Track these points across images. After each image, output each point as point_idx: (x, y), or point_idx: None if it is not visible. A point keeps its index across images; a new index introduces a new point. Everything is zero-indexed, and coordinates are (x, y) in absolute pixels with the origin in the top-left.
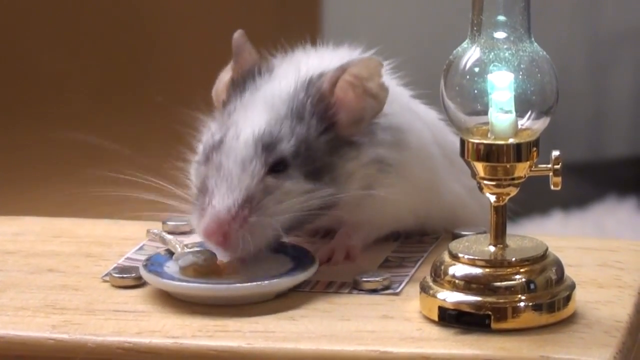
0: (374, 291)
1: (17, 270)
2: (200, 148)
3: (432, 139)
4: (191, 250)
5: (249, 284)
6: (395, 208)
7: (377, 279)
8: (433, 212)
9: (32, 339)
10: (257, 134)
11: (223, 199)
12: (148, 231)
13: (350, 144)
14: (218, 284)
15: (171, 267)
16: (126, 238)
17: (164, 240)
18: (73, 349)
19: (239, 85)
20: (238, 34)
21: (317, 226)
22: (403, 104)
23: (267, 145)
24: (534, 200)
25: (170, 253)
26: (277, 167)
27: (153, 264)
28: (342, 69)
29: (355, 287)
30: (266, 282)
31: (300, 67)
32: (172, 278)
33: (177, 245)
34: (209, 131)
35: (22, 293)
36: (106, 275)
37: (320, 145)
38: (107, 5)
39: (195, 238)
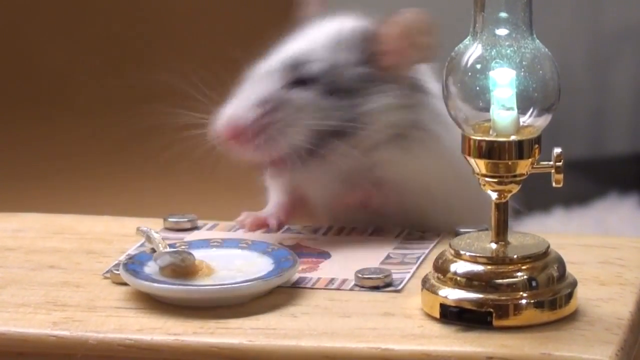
0: (375, 288)
1: (17, 266)
2: None
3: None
4: (169, 250)
5: (219, 286)
6: (424, 174)
7: (378, 276)
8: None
9: (33, 336)
10: (288, 54)
11: (238, 103)
12: (137, 229)
13: (388, 83)
14: (189, 286)
15: (152, 266)
16: (127, 235)
17: (149, 239)
18: (74, 346)
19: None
20: None
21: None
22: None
23: (294, 63)
24: (535, 198)
25: (155, 252)
26: (302, 82)
27: (134, 262)
28: (395, 16)
29: (357, 284)
30: (236, 285)
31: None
32: (147, 278)
33: (160, 245)
34: None
35: (23, 290)
36: (107, 272)
37: (354, 73)
38: (111, 2)
39: (190, 237)
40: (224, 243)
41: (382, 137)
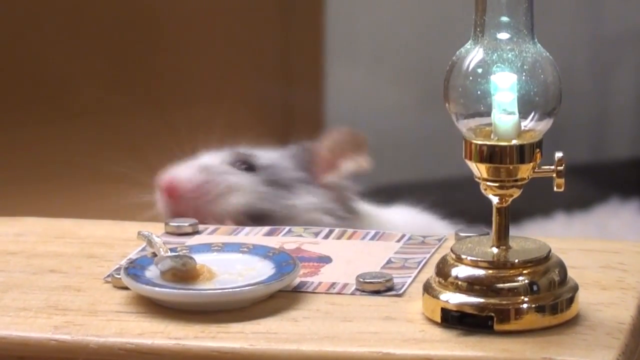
0: (376, 292)
1: (19, 271)
2: None
3: None
4: (170, 254)
5: (220, 291)
6: None
7: (379, 280)
8: None
9: (34, 340)
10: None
11: (183, 166)
12: (139, 233)
13: (317, 188)
14: (190, 290)
15: (153, 270)
16: (128, 239)
17: (151, 243)
18: (75, 350)
19: None
20: None
21: None
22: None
23: (244, 153)
24: (536, 202)
25: (156, 256)
26: (246, 168)
27: (135, 266)
28: (328, 133)
29: (358, 288)
30: (237, 289)
31: None
32: (148, 282)
33: (161, 249)
34: None
35: (24, 294)
36: (108, 276)
37: (291, 175)
38: (115, 6)
39: (191, 241)
40: (225, 247)
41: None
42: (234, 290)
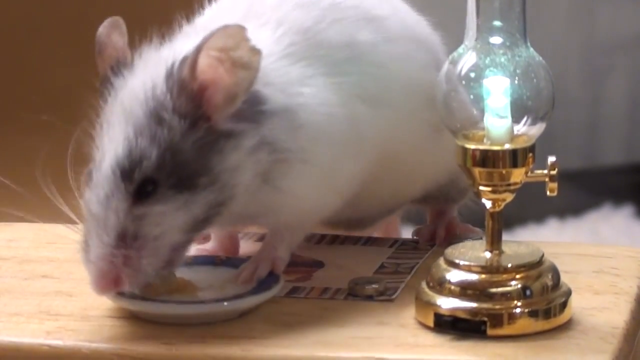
0: (369, 297)
1: (11, 276)
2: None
3: (335, 101)
4: None
5: (199, 304)
6: (308, 199)
7: (372, 285)
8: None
9: (26, 345)
10: (114, 160)
11: (98, 250)
12: None
13: (226, 135)
14: (169, 304)
15: None
16: None
17: None
18: (67, 356)
19: (106, 87)
20: (105, 24)
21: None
22: (287, 78)
23: (126, 170)
24: (529, 208)
25: None
26: (144, 190)
27: None
28: (200, 47)
29: (351, 293)
30: (216, 304)
31: (163, 55)
32: (133, 296)
33: None
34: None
35: (16, 299)
36: None
37: (188, 146)
38: (112, 14)
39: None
40: (207, 259)
41: (251, 186)
42: (212, 304)
